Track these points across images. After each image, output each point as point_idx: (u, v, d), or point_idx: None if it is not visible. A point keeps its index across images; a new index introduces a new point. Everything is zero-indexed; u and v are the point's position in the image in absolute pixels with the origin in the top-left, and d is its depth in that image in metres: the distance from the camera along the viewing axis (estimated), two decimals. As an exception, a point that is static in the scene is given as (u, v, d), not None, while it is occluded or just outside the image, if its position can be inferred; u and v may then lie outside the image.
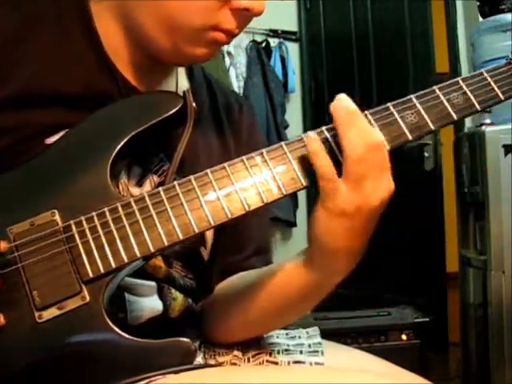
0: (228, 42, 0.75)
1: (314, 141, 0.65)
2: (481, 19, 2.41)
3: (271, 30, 3.67)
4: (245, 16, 0.72)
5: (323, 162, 0.64)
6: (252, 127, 0.91)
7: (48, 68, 0.72)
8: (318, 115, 3.75)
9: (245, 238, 0.87)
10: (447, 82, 0.71)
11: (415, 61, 3.39)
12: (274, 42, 3.69)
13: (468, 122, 3.13)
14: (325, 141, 0.67)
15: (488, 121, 2.16)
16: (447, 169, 3.05)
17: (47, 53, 0.73)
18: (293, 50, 3.76)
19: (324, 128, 0.68)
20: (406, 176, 2.87)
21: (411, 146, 2.71)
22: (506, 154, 2.00)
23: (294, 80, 3.73)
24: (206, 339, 0.84)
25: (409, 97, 0.70)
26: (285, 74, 3.68)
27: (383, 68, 3.49)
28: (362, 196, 0.64)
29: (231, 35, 0.74)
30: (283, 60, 3.69)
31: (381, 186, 0.64)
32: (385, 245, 2.15)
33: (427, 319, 2.24)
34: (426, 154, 3.06)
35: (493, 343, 2.01)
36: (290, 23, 3.76)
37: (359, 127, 0.64)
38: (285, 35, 3.74)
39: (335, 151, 0.66)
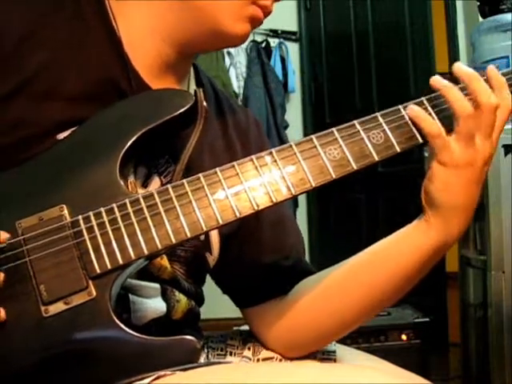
0: (262, 22, 0.78)
1: (414, 107, 0.71)
2: (481, 19, 2.41)
3: (271, 30, 3.67)
4: None
5: (428, 121, 0.70)
6: (261, 140, 0.90)
7: (60, 62, 0.72)
8: (318, 115, 3.75)
9: (288, 242, 0.87)
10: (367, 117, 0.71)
11: (415, 61, 3.39)
12: (273, 41, 3.69)
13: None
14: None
15: (488, 121, 2.16)
16: (447, 169, 3.04)
17: (59, 47, 0.72)
18: (293, 49, 3.76)
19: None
20: (406, 176, 2.88)
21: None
22: (505, 154, 1.99)
23: (294, 80, 3.73)
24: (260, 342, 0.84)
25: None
26: (285, 74, 3.68)
27: (383, 68, 3.49)
28: (474, 149, 0.69)
29: (266, 12, 0.77)
30: (283, 60, 3.69)
31: (489, 143, 0.69)
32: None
33: (427, 319, 2.23)
34: (426, 154, 3.06)
35: (493, 343, 2.01)
36: (290, 23, 3.77)
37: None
38: (285, 35, 3.74)
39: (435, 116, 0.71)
